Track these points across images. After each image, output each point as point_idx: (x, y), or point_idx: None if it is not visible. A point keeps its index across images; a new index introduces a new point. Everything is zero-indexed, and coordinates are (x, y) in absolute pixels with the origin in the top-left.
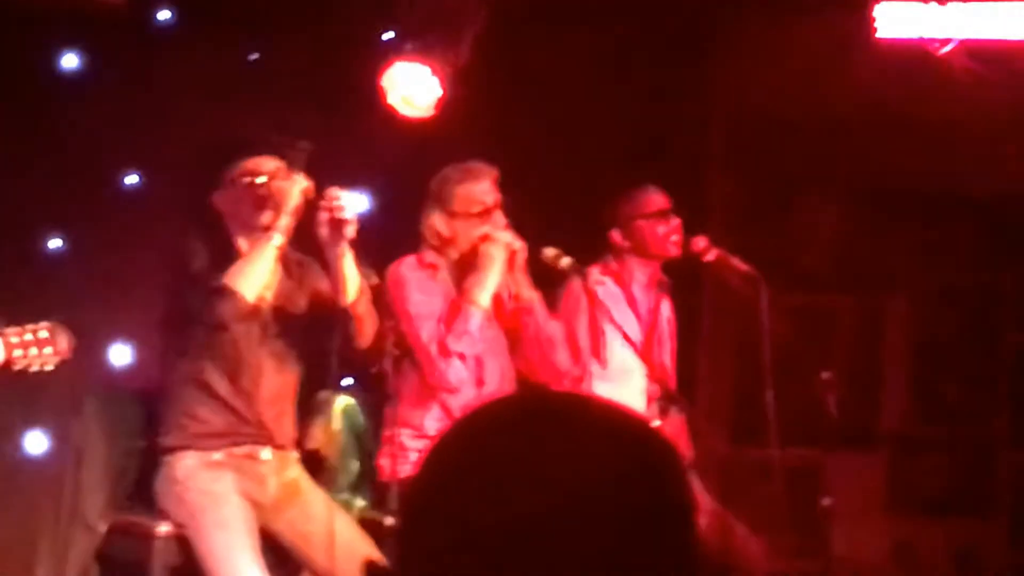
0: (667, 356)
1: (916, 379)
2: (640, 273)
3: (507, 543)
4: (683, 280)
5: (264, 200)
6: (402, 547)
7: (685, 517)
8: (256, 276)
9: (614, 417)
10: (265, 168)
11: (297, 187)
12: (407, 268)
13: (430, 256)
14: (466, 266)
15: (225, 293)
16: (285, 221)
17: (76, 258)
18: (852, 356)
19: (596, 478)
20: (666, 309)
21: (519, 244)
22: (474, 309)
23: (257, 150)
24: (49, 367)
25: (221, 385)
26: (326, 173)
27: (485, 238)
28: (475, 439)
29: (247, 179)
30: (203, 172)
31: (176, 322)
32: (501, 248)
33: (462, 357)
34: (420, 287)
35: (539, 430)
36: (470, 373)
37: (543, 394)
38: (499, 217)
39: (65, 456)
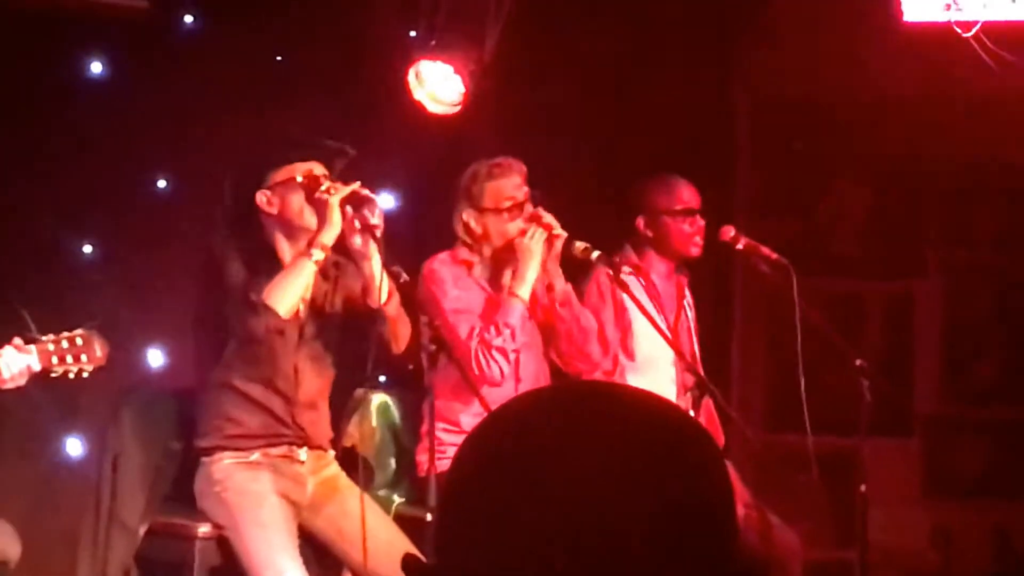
0: (694, 344)
1: (950, 362)
2: (660, 264)
3: (543, 534)
4: (714, 269)
5: (308, 206)
6: (439, 539)
7: (725, 506)
8: (293, 294)
9: (650, 407)
10: (313, 173)
11: (337, 197)
12: (442, 264)
13: (463, 253)
14: (500, 262)
15: (260, 310)
16: (327, 237)
17: (108, 264)
18: (885, 341)
19: (634, 468)
20: (687, 297)
21: (563, 232)
22: (515, 302)
23: (306, 154)
24: (85, 373)
25: (256, 388)
26: (353, 172)
27: (534, 216)
28: (510, 432)
29: (294, 182)
30: (249, 172)
31: (211, 327)
32: (539, 241)
33: (503, 351)
34: (457, 283)
35: (575, 421)
36: (509, 368)
37: (577, 385)
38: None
39: (102, 460)
